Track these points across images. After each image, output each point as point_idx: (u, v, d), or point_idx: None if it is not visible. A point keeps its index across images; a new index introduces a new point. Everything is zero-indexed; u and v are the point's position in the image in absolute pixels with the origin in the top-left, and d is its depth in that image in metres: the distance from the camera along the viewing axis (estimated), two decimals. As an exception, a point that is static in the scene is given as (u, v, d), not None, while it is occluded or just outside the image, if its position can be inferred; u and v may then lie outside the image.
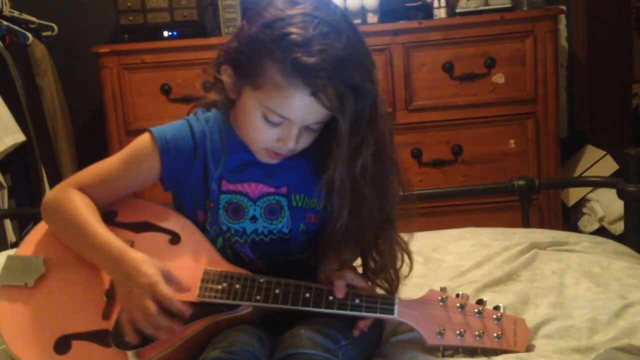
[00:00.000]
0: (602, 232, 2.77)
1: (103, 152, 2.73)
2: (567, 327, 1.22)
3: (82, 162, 2.86)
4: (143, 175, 1.25)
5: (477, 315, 1.16)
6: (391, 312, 1.13)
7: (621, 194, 1.78)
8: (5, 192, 2.53)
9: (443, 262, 1.58)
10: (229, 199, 1.23)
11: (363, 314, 1.12)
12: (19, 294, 1.18)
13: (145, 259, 1.11)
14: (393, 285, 1.28)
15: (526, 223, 1.95)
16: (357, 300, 1.13)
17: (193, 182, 1.24)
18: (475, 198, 2.61)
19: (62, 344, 1.12)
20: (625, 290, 1.35)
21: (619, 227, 2.71)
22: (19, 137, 2.48)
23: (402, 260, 1.27)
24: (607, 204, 2.80)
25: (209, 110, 1.29)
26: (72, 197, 1.20)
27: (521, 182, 1.92)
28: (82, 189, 1.22)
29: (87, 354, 1.11)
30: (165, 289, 1.08)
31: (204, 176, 1.23)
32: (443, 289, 1.18)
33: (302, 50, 1.08)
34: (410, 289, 1.36)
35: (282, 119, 1.14)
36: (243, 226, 1.23)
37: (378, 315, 1.13)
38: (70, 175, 1.27)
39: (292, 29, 1.09)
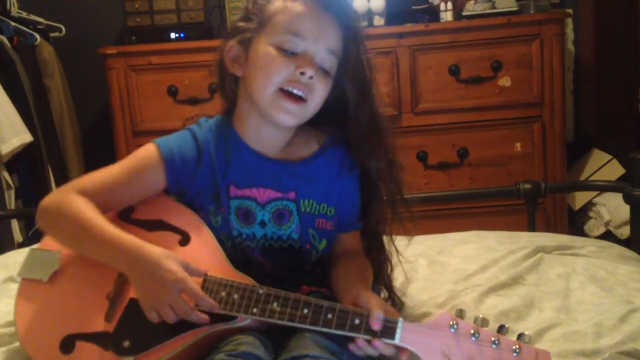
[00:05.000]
0: (608, 236, 2.76)
1: (110, 153, 2.75)
2: (572, 331, 1.22)
3: (89, 162, 2.88)
4: (146, 185, 1.24)
5: (493, 345, 1.01)
6: (392, 336, 1.03)
7: (627, 199, 1.77)
8: (12, 192, 2.54)
9: (448, 265, 1.57)
10: (238, 204, 1.23)
11: (361, 335, 1.04)
12: (34, 289, 1.20)
13: (165, 253, 1.11)
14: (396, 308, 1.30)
15: (532, 227, 1.94)
16: (356, 321, 1.04)
17: (196, 188, 1.24)
18: (481, 201, 2.61)
19: (67, 344, 1.13)
20: (630, 295, 1.35)
21: (625, 232, 2.70)
22: (26, 137, 2.49)
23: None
24: (613, 208, 2.79)
25: (212, 118, 1.30)
26: (74, 200, 1.18)
27: (527, 186, 1.92)
28: (84, 194, 1.19)
29: (88, 356, 1.11)
30: (194, 285, 1.08)
31: (210, 182, 1.23)
32: (458, 313, 1.05)
33: None
34: (414, 292, 1.37)
35: (298, 40, 1.17)
36: (253, 231, 1.23)
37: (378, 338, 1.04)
38: (76, 177, 1.27)
39: None
